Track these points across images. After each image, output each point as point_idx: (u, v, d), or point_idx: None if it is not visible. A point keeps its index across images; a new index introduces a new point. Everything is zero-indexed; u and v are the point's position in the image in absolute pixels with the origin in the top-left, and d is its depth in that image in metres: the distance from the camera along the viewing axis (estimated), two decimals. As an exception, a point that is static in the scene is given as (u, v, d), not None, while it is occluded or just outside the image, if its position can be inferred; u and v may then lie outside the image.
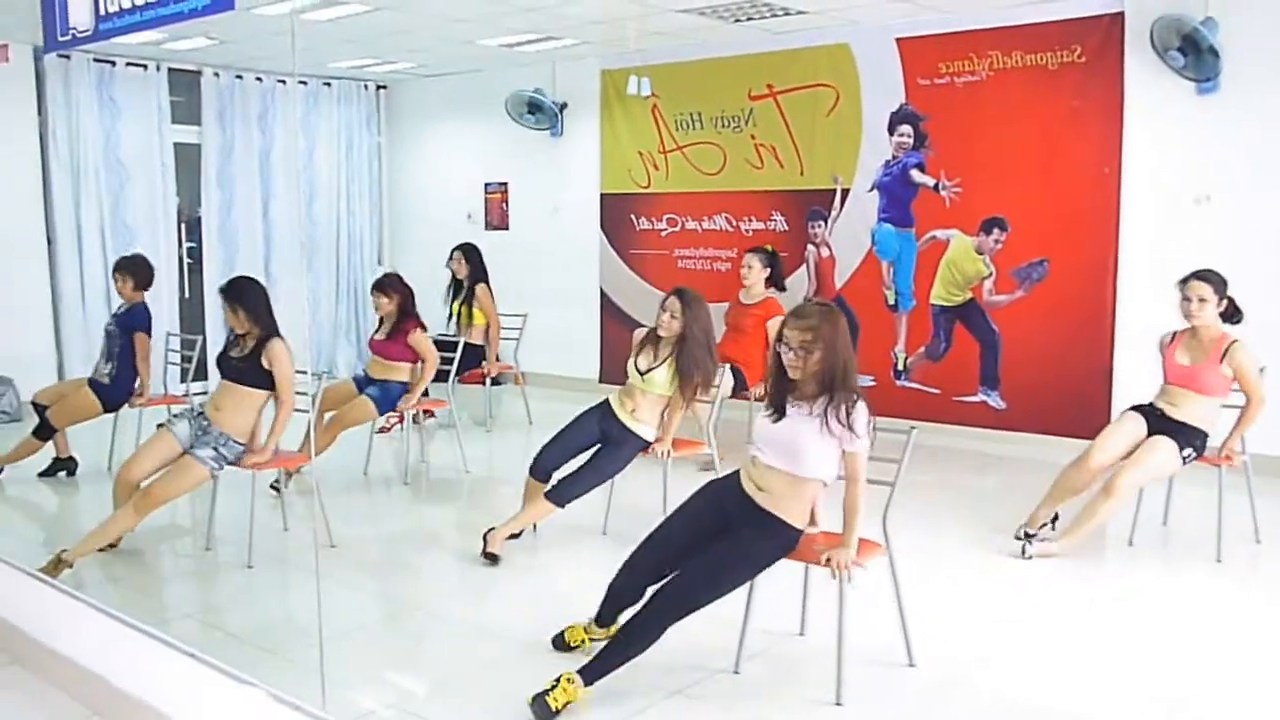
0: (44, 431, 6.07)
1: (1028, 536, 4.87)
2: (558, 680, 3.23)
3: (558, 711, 3.19)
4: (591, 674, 3.28)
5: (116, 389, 6.11)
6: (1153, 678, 3.64)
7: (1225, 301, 4.71)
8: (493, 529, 4.80)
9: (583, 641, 3.73)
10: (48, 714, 3.41)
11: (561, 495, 4.80)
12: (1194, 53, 6.13)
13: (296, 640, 3.91)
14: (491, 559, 4.71)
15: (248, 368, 4.74)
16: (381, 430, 7.01)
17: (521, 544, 5.21)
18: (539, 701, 3.19)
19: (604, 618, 3.70)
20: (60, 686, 3.51)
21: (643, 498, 5.22)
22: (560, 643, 3.75)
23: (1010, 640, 3.96)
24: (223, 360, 4.88)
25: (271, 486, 5.54)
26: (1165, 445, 4.69)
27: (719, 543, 3.40)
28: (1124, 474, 4.69)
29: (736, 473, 3.60)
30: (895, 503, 3.60)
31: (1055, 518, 4.98)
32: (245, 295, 4.81)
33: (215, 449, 4.66)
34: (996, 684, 3.58)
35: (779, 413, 3.46)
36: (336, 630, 3.88)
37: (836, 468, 3.43)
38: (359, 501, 6.02)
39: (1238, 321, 4.75)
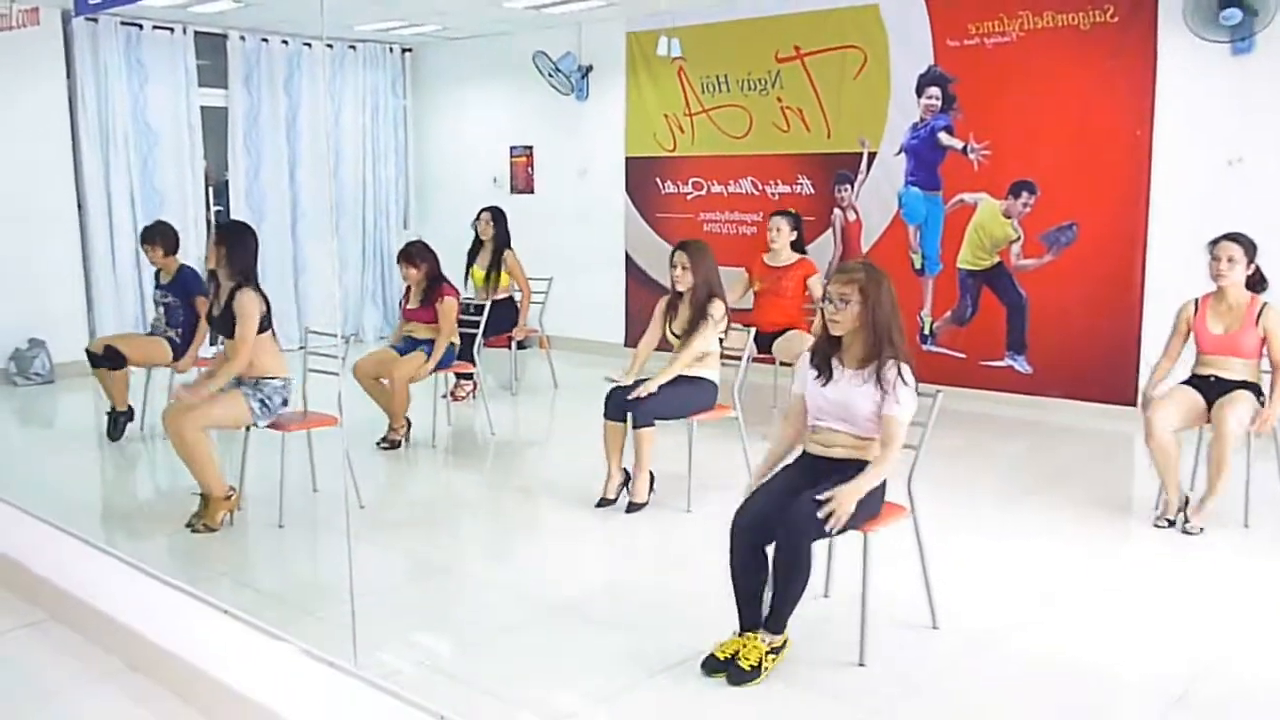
0: (117, 362, 6.22)
1: (1169, 523, 4.77)
2: (740, 642, 3.25)
3: (755, 668, 3.21)
4: (779, 621, 3.26)
5: (184, 350, 6.32)
6: (1180, 642, 3.65)
7: (1253, 267, 4.67)
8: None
9: (737, 652, 3.32)
10: (85, 668, 3.49)
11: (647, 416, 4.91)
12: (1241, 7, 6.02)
13: (327, 599, 3.97)
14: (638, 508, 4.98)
15: (228, 319, 4.77)
16: (456, 398, 7.17)
17: (548, 506, 5.27)
18: (735, 666, 3.22)
19: (749, 618, 3.36)
20: (97, 641, 3.60)
21: (670, 462, 5.24)
22: (715, 664, 3.33)
23: (1035, 603, 3.98)
24: (210, 320, 4.97)
25: (383, 442, 6.11)
26: (1245, 395, 4.66)
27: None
28: (1223, 438, 4.57)
29: (803, 454, 3.60)
30: (921, 466, 3.61)
31: (1186, 502, 4.80)
32: (235, 236, 4.86)
33: (260, 400, 4.75)
34: (1020, 646, 3.59)
35: (826, 375, 3.48)
36: (366, 590, 3.94)
37: None
38: (387, 464, 6.08)
39: (1262, 290, 4.71)
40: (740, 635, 3.35)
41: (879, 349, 3.38)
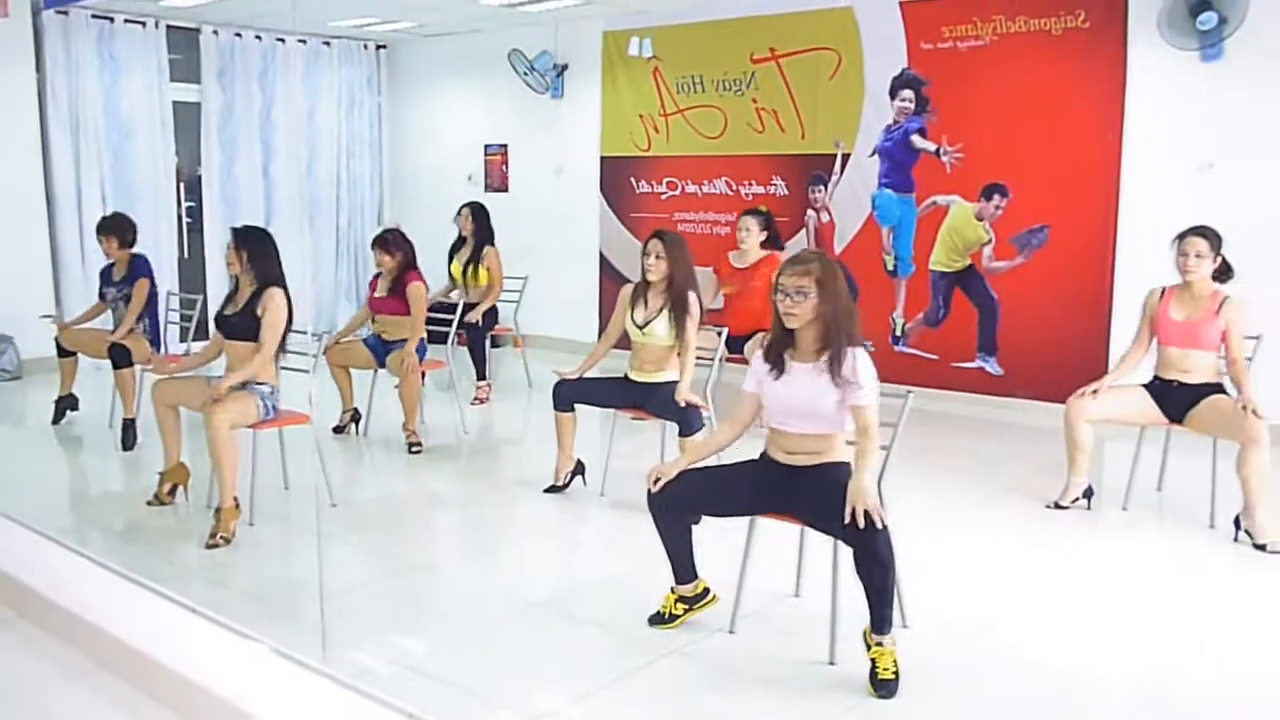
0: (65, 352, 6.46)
1: (1057, 505, 4.99)
2: (870, 647, 3.28)
3: (893, 676, 3.24)
4: (884, 624, 3.26)
5: (156, 342, 6.31)
6: (1153, 640, 3.69)
7: (1219, 260, 4.73)
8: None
9: (683, 611, 3.67)
10: (53, 667, 3.46)
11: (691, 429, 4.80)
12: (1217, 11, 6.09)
13: (298, 598, 3.95)
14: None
15: (244, 321, 4.70)
16: (478, 400, 7.27)
17: (522, 504, 5.27)
18: (874, 679, 3.24)
19: (684, 575, 3.66)
20: (66, 640, 3.56)
21: (638, 460, 5.24)
22: (660, 619, 3.67)
23: (1004, 603, 4.01)
24: (221, 320, 4.85)
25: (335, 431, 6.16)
26: (1222, 398, 4.69)
27: (808, 499, 3.38)
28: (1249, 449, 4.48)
29: (764, 455, 3.58)
30: (891, 467, 3.63)
31: (1090, 492, 5.01)
32: (254, 240, 4.83)
33: (268, 403, 4.71)
34: (989, 646, 3.63)
35: (779, 369, 3.45)
36: (338, 588, 3.94)
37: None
38: (359, 462, 6.06)
39: (1227, 280, 4.77)
40: (675, 589, 3.67)
41: (831, 339, 3.34)
